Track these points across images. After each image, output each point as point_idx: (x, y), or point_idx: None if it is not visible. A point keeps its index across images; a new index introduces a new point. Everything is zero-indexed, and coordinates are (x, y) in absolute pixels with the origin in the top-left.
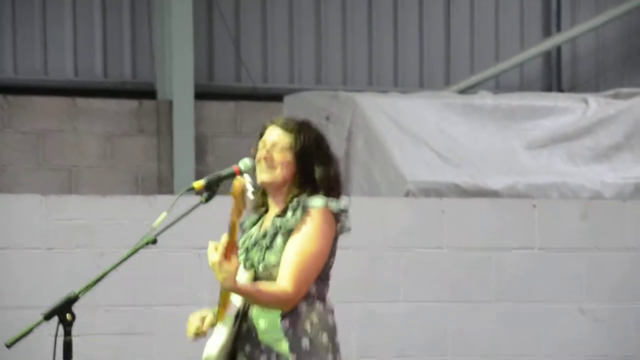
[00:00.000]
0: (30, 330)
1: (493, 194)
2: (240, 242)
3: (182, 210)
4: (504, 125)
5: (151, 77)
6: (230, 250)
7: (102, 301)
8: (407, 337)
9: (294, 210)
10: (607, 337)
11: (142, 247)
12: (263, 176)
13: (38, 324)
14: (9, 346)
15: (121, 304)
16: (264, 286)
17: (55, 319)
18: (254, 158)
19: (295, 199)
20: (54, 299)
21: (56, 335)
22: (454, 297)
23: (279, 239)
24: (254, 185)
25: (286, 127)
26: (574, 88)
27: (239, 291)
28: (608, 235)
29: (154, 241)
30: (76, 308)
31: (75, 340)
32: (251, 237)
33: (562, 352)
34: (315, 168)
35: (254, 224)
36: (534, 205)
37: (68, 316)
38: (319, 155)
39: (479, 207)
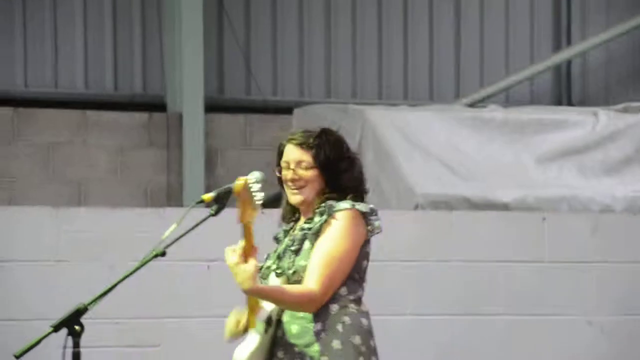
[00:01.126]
0: (39, 342)
1: (503, 207)
2: (274, 253)
3: (192, 223)
4: (513, 139)
5: (161, 90)
6: (248, 252)
7: (111, 313)
8: (414, 350)
9: (321, 214)
10: (615, 350)
11: (151, 259)
12: (294, 198)
13: (47, 335)
14: (18, 357)
15: (130, 317)
16: (287, 287)
17: (64, 330)
18: (280, 180)
19: (323, 204)
20: (63, 311)
21: (64, 347)
22: (462, 310)
23: (306, 243)
24: (260, 186)
25: (306, 142)
26: (583, 102)
27: (259, 292)
28: (618, 249)
29: (163, 253)
30: (85, 320)
31: (83, 352)
32: (284, 245)
33: None
34: (342, 177)
35: (287, 233)
36: (544, 219)
37: (77, 328)
38: (342, 162)
39: (488, 220)
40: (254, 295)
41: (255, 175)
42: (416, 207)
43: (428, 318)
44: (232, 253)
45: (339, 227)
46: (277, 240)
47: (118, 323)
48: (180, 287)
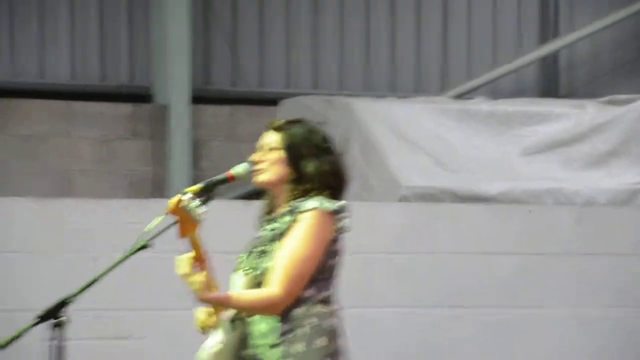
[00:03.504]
0: (23, 333)
1: (488, 199)
2: (250, 246)
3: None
4: (499, 131)
5: (147, 81)
6: (201, 262)
7: (95, 305)
8: (399, 342)
9: (290, 214)
10: (600, 343)
11: (136, 251)
12: (255, 179)
13: (32, 326)
14: (1, 348)
15: (113, 308)
16: (247, 292)
17: (49, 322)
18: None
19: (292, 203)
20: (48, 303)
21: (49, 339)
22: (447, 303)
23: (274, 245)
24: (205, 198)
25: (276, 126)
26: (570, 94)
27: (212, 301)
28: (603, 241)
29: (148, 245)
30: (68, 312)
31: (67, 344)
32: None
33: (555, 357)
34: (307, 163)
35: (268, 223)
36: (529, 211)
37: (61, 319)
38: (310, 149)
39: (474, 212)
40: (208, 303)
41: (240, 167)
42: (402, 199)
43: (413, 310)
44: (182, 264)
45: (302, 228)
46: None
47: (101, 315)
48: (164, 279)
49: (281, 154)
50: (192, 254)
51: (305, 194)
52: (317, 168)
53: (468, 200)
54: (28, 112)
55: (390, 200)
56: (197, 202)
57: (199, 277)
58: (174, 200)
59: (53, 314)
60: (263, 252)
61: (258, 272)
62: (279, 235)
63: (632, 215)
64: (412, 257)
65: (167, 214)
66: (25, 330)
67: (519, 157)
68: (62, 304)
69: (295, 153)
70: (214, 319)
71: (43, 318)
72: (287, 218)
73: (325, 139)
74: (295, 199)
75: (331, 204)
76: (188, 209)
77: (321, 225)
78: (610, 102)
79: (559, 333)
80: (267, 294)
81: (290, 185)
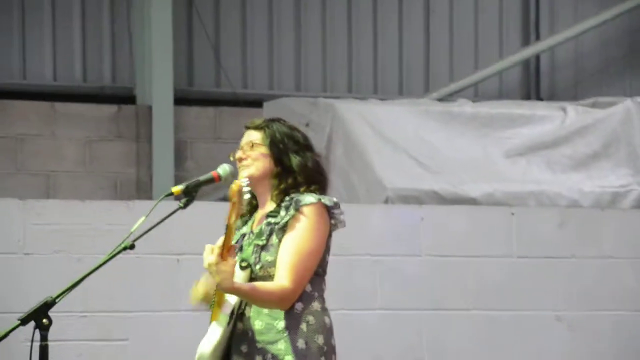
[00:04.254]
0: (6, 335)
1: (471, 201)
2: (235, 241)
3: (161, 216)
4: (482, 133)
5: (131, 82)
6: (227, 251)
7: (78, 306)
8: (383, 344)
9: (287, 208)
10: (583, 345)
11: (119, 252)
12: (240, 174)
13: (14, 328)
14: None
15: (98, 310)
16: (262, 285)
17: (32, 323)
18: (234, 165)
19: (288, 198)
20: (31, 304)
21: (32, 341)
22: (431, 305)
23: (274, 238)
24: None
25: (257, 124)
26: (552, 97)
27: (237, 291)
28: (585, 244)
29: (132, 246)
30: (52, 313)
31: (50, 346)
32: (244, 236)
33: (538, 359)
34: (291, 157)
35: (245, 222)
36: (512, 213)
37: (45, 321)
38: (293, 145)
39: (457, 214)
40: (233, 293)
41: (224, 168)
42: (385, 201)
43: (397, 312)
44: (211, 252)
45: (307, 222)
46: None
47: (86, 316)
48: (148, 280)
49: (264, 149)
50: (221, 242)
51: (292, 188)
52: (301, 163)
53: (451, 202)
54: (11, 113)
55: (375, 202)
56: (248, 189)
57: (227, 267)
58: (236, 184)
59: (36, 316)
60: (263, 246)
61: (259, 266)
62: (279, 229)
63: (615, 217)
64: (395, 259)
65: (230, 199)
66: (9, 332)
67: (501, 159)
68: (46, 305)
69: (279, 148)
70: (201, 291)
71: (27, 319)
72: (284, 212)
73: (305, 136)
74: (281, 193)
75: (328, 200)
76: (243, 194)
77: (323, 219)
78: (594, 105)
79: (542, 335)
80: (280, 287)
81: (274, 180)
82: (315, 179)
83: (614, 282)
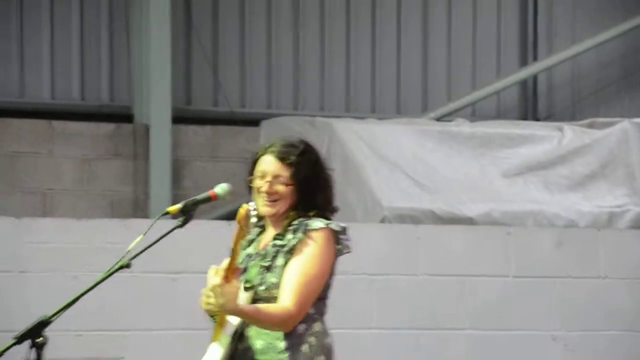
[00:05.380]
0: (2, 353)
1: (468, 221)
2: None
3: (158, 235)
4: (480, 153)
5: (128, 100)
6: (231, 273)
7: (74, 325)
8: None
9: (295, 232)
10: None
11: (116, 271)
12: (264, 210)
13: (10, 347)
14: None
15: (93, 329)
16: (265, 307)
17: (28, 342)
18: (251, 188)
19: (296, 221)
20: (27, 323)
21: (28, 359)
22: (427, 324)
23: (279, 260)
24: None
25: (287, 158)
26: (549, 117)
27: (240, 313)
28: (582, 264)
29: (128, 265)
30: (48, 332)
31: None
32: (249, 257)
33: None
34: (316, 194)
35: (250, 243)
36: (509, 233)
37: (40, 339)
38: (319, 181)
39: (454, 234)
40: (236, 315)
41: (222, 187)
42: (383, 221)
43: (394, 332)
44: (215, 274)
45: (314, 247)
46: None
47: (81, 335)
48: (145, 299)
49: (292, 188)
50: (226, 264)
51: (305, 217)
52: (324, 198)
53: (448, 221)
54: (9, 131)
55: (372, 221)
56: (255, 213)
57: (231, 289)
58: (244, 208)
59: (32, 334)
60: (268, 268)
61: (263, 287)
62: (286, 252)
63: (611, 238)
64: (392, 279)
65: (238, 223)
66: (4, 350)
67: (499, 179)
68: (42, 323)
69: (308, 189)
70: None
71: (22, 338)
72: (292, 235)
73: (327, 168)
74: (293, 219)
75: (335, 225)
76: (250, 218)
77: (329, 244)
78: (591, 126)
79: (538, 355)
80: (284, 310)
81: (294, 212)
82: (328, 208)
83: (610, 302)
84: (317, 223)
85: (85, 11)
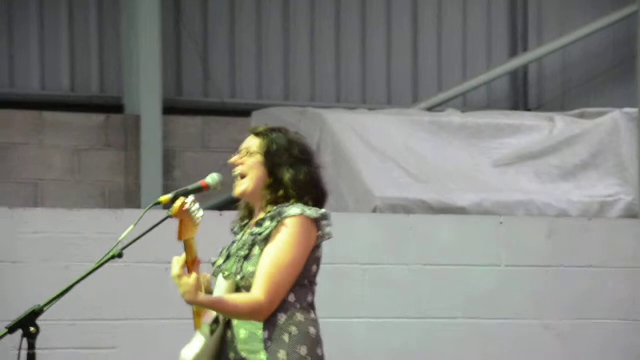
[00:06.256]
0: None
1: (460, 210)
2: (226, 248)
3: (149, 224)
4: (470, 143)
5: (119, 91)
6: (191, 264)
7: (67, 315)
8: (371, 352)
9: (272, 219)
10: (570, 354)
11: (107, 260)
12: (235, 190)
13: (2, 336)
14: None
15: (85, 318)
16: (233, 296)
17: (19, 331)
18: (225, 172)
19: (274, 208)
20: (19, 312)
21: (20, 349)
22: (419, 313)
23: (255, 249)
24: (198, 205)
25: (257, 131)
26: (540, 107)
27: (200, 303)
28: (573, 253)
29: (120, 255)
30: (40, 321)
31: (38, 354)
32: (234, 243)
33: None
34: (283, 170)
35: (242, 229)
36: (500, 223)
37: (32, 329)
38: (288, 158)
39: (445, 223)
40: (197, 305)
41: (213, 177)
42: (374, 210)
43: (386, 321)
44: (174, 265)
45: (286, 234)
46: (234, 232)
47: (74, 324)
48: (136, 288)
49: (259, 158)
50: (184, 256)
51: (282, 200)
52: (293, 177)
53: (440, 211)
54: None
55: (363, 211)
56: (197, 205)
57: (189, 280)
58: (178, 202)
59: (24, 324)
60: (245, 257)
61: (240, 276)
62: (261, 240)
63: (602, 227)
64: (384, 268)
65: (170, 215)
66: None
67: (490, 169)
68: (34, 313)
69: (272, 159)
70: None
71: (14, 328)
72: (269, 223)
73: (303, 150)
74: (271, 204)
75: (314, 211)
76: (190, 211)
77: (304, 231)
78: (581, 116)
79: (530, 344)
80: (252, 299)
81: (266, 191)
82: (308, 192)
83: (601, 291)
84: (293, 210)
85: (75, 1)
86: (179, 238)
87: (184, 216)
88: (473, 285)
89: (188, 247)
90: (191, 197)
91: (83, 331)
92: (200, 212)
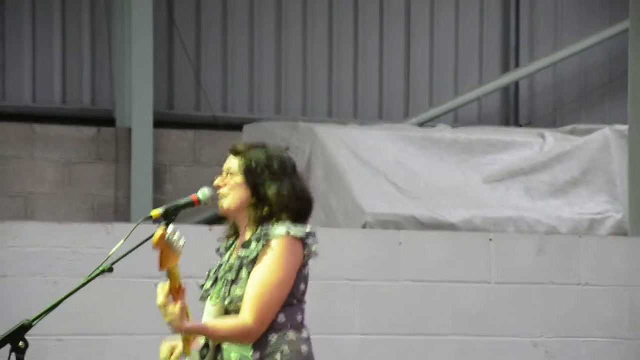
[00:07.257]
0: None
1: (450, 227)
2: (213, 270)
3: (139, 239)
4: (461, 159)
5: (110, 104)
6: (175, 292)
7: (55, 330)
8: None
9: (258, 240)
10: None
11: (97, 275)
12: (220, 207)
13: None
14: None
15: (74, 333)
16: (221, 321)
17: (8, 346)
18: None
19: (259, 229)
20: (7, 327)
21: None
22: (409, 330)
23: (243, 272)
24: (179, 234)
25: (236, 150)
26: (531, 123)
27: (188, 331)
28: (563, 270)
29: (110, 269)
30: (29, 336)
31: None
32: (221, 266)
33: None
34: (266, 186)
35: (228, 250)
36: (490, 239)
37: (21, 344)
38: (269, 174)
39: (436, 240)
40: (184, 333)
41: (204, 191)
42: (364, 226)
43: (375, 337)
44: (159, 294)
45: (273, 255)
46: (219, 254)
47: (62, 339)
48: (126, 303)
49: (240, 178)
50: (168, 284)
51: (267, 218)
52: (275, 192)
53: (430, 227)
54: None
55: (354, 226)
56: (178, 234)
57: (174, 309)
58: (158, 232)
59: (13, 338)
60: (232, 280)
61: (228, 300)
62: (248, 263)
63: (592, 244)
64: (374, 284)
65: (154, 246)
66: None
67: (480, 185)
68: (22, 328)
69: (253, 177)
70: (176, 353)
71: (2, 342)
72: (255, 245)
73: (284, 164)
74: (256, 223)
75: (300, 230)
76: (171, 241)
77: (291, 251)
78: (572, 132)
79: None
80: (241, 323)
81: (250, 210)
82: (291, 207)
83: (591, 308)
84: (279, 230)
85: (67, 15)
86: (161, 267)
87: (164, 246)
88: (463, 302)
89: (172, 276)
90: (171, 227)
91: (72, 346)
92: (182, 242)
